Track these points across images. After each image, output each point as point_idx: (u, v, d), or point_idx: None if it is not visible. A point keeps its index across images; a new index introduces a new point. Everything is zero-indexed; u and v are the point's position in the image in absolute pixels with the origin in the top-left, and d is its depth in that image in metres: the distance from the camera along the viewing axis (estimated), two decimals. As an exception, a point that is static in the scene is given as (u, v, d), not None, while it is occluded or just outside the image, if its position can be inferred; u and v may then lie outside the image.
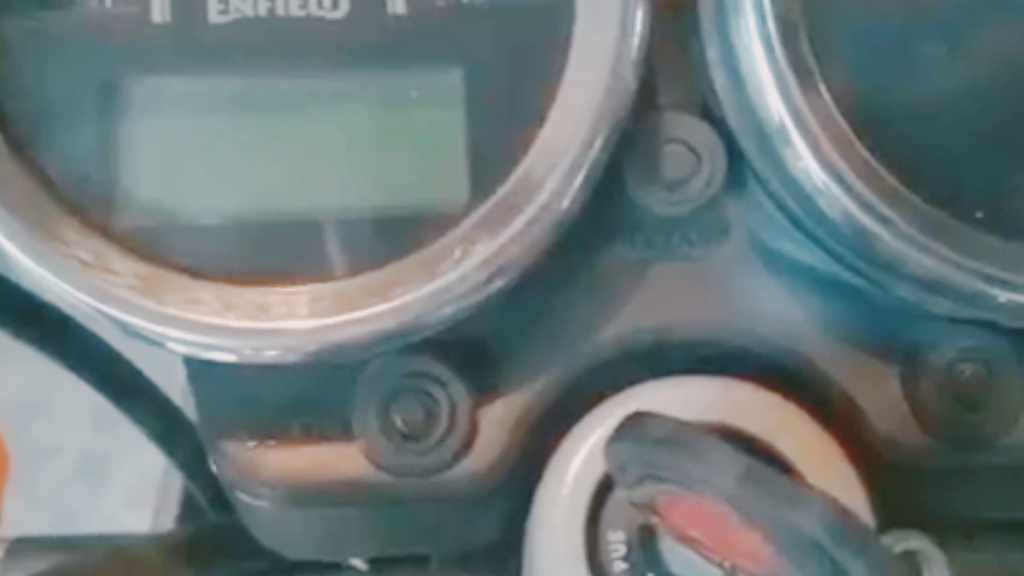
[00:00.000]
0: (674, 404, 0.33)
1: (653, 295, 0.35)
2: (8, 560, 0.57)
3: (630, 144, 0.33)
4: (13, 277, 0.32)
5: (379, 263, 0.32)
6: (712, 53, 0.34)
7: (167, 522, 0.56)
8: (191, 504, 0.56)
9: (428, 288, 0.31)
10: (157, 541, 0.41)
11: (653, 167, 0.34)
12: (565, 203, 0.32)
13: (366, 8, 0.33)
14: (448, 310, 0.31)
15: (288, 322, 0.31)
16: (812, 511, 0.25)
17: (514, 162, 0.32)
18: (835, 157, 0.32)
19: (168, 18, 0.33)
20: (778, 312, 0.35)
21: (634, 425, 0.27)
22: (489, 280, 0.31)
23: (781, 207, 0.34)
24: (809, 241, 0.34)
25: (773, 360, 0.35)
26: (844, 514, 0.25)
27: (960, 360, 0.34)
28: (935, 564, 0.30)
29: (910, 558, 0.30)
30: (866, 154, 0.32)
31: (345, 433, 0.33)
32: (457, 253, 0.32)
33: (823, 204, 0.32)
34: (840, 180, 0.32)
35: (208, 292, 0.31)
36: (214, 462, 0.34)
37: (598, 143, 0.32)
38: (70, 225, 0.32)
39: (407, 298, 0.31)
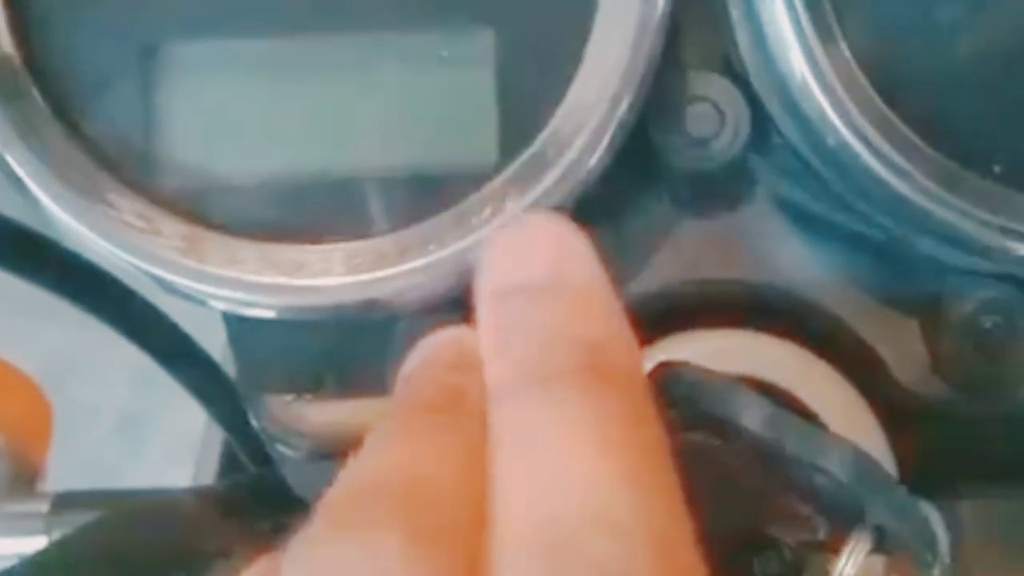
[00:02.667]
0: (700, 357, 0.34)
1: (679, 250, 0.35)
2: (53, 514, 0.58)
3: (656, 102, 0.34)
4: (56, 237, 0.33)
5: (412, 220, 0.32)
6: (735, 12, 0.34)
7: (207, 478, 0.57)
8: (231, 460, 0.57)
9: (460, 244, 0.32)
10: (198, 494, 0.42)
11: (678, 125, 0.34)
12: (593, 161, 0.32)
13: (400, -30, 0.33)
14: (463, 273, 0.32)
15: (324, 279, 0.31)
16: (834, 452, 0.25)
17: (543, 121, 0.32)
18: (855, 112, 0.32)
19: (204, -20, 0.33)
20: (802, 266, 0.35)
21: (662, 374, 0.27)
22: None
23: (804, 163, 0.34)
24: (831, 197, 0.34)
25: (797, 313, 0.35)
26: (866, 457, 0.25)
27: (980, 312, 0.34)
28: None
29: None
30: (885, 109, 0.32)
31: (380, 387, 0.34)
32: (488, 210, 0.32)
33: (843, 159, 0.32)
34: (859, 135, 0.32)
35: (248, 250, 0.32)
36: (253, 416, 0.35)
37: (625, 102, 0.32)
38: (114, 187, 0.32)
39: (440, 254, 0.31)
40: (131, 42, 0.33)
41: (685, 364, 0.27)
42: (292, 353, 0.34)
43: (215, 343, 0.41)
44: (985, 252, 0.32)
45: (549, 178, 0.32)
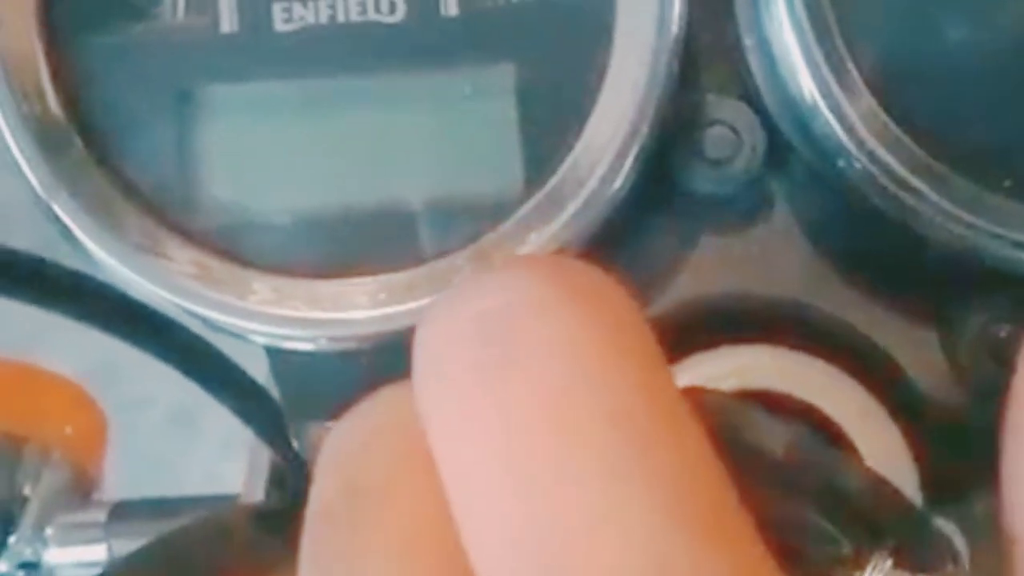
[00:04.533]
0: (724, 373, 0.34)
1: (700, 268, 0.35)
2: (111, 523, 0.59)
3: (674, 126, 0.34)
4: (100, 277, 0.33)
5: (439, 254, 0.33)
6: (747, 38, 0.34)
7: (260, 471, 0.56)
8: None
9: (488, 274, 0.32)
10: (250, 511, 0.42)
11: (696, 148, 0.34)
12: (614, 189, 0.32)
13: (421, 11, 0.33)
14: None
15: (359, 312, 0.32)
16: (854, 478, 0.26)
17: (565, 151, 0.33)
18: (864, 133, 0.32)
19: (236, 28, 0.33)
20: (821, 281, 0.35)
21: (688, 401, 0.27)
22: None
23: (819, 181, 0.34)
24: (847, 213, 0.34)
25: (818, 327, 0.35)
26: (885, 483, 0.25)
27: (994, 321, 0.34)
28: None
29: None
30: (895, 129, 0.33)
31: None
32: (513, 241, 0.32)
33: (855, 178, 0.33)
34: (870, 155, 0.32)
35: (284, 286, 0.32)
36: (296, 439, 0.35)
37: (644, 129, 0.32)
38: (154, 228, 0.33)
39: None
40: (166, 87, 0.33)
41: (708, 391, 0.28)
42: (333, 381, 0.34)
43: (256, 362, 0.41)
44: (997, 264, 0.32)
45: (572, 207, 0.32)
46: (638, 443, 0.21)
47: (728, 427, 0.26)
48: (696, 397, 0.27)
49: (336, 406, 0.35)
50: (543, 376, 0.22)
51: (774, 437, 0.26)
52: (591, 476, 0.21)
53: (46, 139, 0.32)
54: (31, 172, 0.32)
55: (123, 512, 0.60)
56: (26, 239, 0.36)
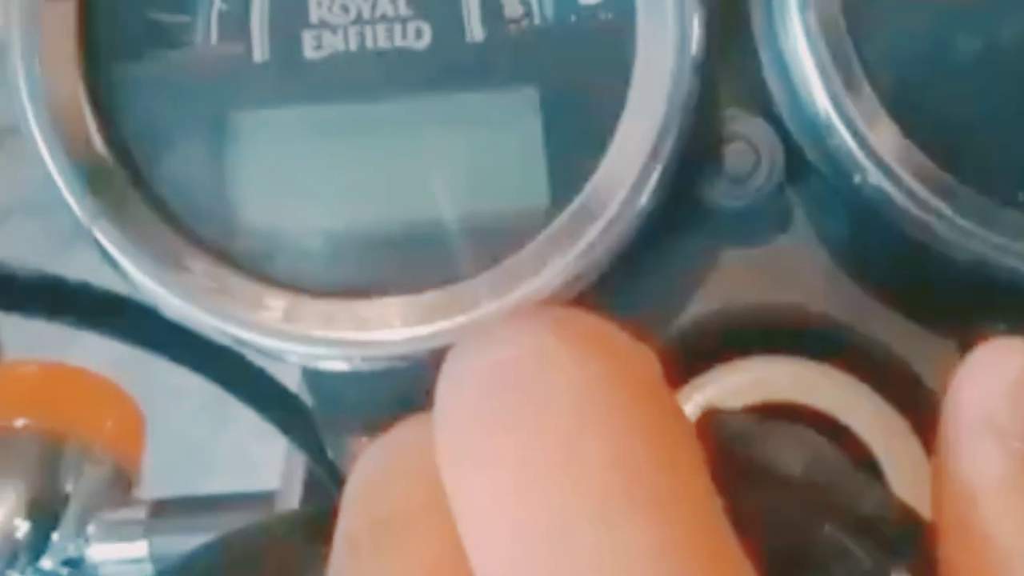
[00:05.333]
0: (745, 386, 0.35)
1: (721, 281, 0.36)
2: (151, 520, 0.60)
3: (694, 142, 0.34)
4: (140, 298, 0.34)
5: (467, 274, 0.33)
6: (764, 55, 0.35)
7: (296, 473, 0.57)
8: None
9: (513, 294, 0.33)
10: (293, 518, 0.43)
11: (717, 164, 0.35)
12: (637, 208, 0.33)
13: (447, 37, 0.34)
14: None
15: (389, 332, 0.33)
16: (872, 498, 0.26)
17: (589, 171, 0.33)
18: (879, 148, 0.33)
19: (268, 56, 0.34)
20: (842, 293, 0.36)
21: (708, 422, 0.28)
22: (570, 285, 0.33)
23: (837, 196, 0.35)
24: (866, 227, 0.35)
25: (839, 338, 0.36)
26: (901, 504, 0.26)
27: (1012, 332, 0.34)
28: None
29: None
30: (909, 144, 0.33)
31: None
32: (539, 261, 0.33)
33: (871, 194, 0.33)
34: (885, 170, 0.33)
35: (316, 307, 0.33)
36: (332, 453, 0.36)
37: (665, 148, 0.33)
38: (189, 251, 0.33)
39: (496, 304, 0.33)
40: (200, 114, 0.34)
41: (725, 412, 0.28)
42: (367, 397, 0.35)
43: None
44: (1014, 277, 0.33)
45: (597, 226, 0.33)
46: (641, 490, 0.22)
47: (745, 447, 0.27)
48: (712, 418, 0.28)
49: (369, 419, 0.36)
50: (550, 425, 0.23)
51: (793, 456, 0.27)
52: (593, 522, 0.22)
53: (88, 169, 0.33)
54: (74, 201, 0.32)
55: (163, 509, 0.61)
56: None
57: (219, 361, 0.38)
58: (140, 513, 0.61)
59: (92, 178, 0.33)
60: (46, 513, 0.61)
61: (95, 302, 0.36)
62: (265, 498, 0.57)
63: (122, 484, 0.64)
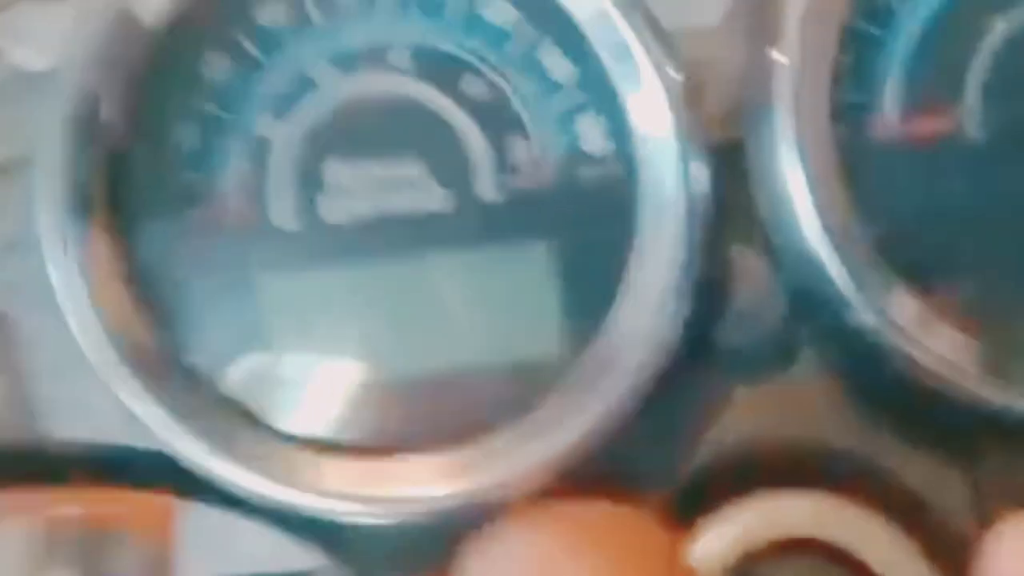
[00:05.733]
0: (762, 522, 0.36)
1: (730, 417, 0.37)
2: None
3: (702, 283, 0.35)
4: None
5: (486, 430, 0.34)
6: (761, 195, 0.36)
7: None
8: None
9: (540, 446, 0.34)
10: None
11: (723, 307, 0.36)
12: (655, 353, 0.34)
13: (463, 199, 0.35)
14: (552, 469, 0.34)
15: (417, 488, 0.34)
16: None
17: (605, 320, 0.34)
18: (871, 288, 0.34)
19: (287, 222, 0.35)
20: (850, 425, 0.37)
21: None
22: (591, 436, 0.34)
23: (840, 329, 0.36)
24: (869, 360, 0.36)
25: (850, 469, 0.37)
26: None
27: (1018, 461, 0.35)
28: None
29: None
30: (903, 286, 0.34)
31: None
32: (558, 415, 0.34)
33: (866, 331, 0.34)
34: (877, 311, 0.34)
35: (345, 466, 0.34)
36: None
37: (676, 292, 0.34)
38: (221, 414, 0.35)
39: (514, 464, 0.34)
40: (223, 278, 0.35)
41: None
42: (394, 545, 0.36)
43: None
44: (1006, 412, 0.34)
45: (612, 378, 0.34)
46: None
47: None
48: None
49: (398, 567, 0.37)
50: None
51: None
52: None
53: (132, 356, 0.34)
54: (120, 384, 0.34)
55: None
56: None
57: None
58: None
59: (135, 363, 0.34)
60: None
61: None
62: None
63: (155, 569, 0.64)
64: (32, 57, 0.42)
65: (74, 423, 0.40)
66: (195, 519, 0.70)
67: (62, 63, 0.35)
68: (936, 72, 0.35)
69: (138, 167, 0.36)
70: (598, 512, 0.33)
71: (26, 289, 0.37)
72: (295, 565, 0.61)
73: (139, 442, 0.37)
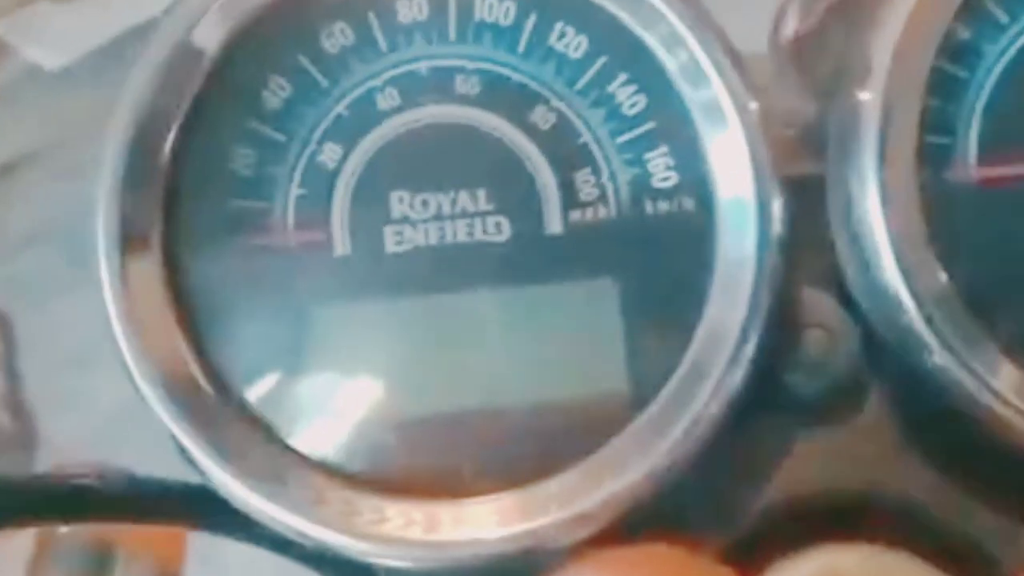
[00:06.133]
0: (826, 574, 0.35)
1: (796, 463, 0.36)
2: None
3: (774, 330, 0.34)
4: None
5: (541, 474, 0.33)
6: (840, 244, 0.35)
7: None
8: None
9: (597, 497, 0.32)
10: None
11: (794, 350, 0.35)
12: (725, 399, 0.33)
13: (526, 231, 0.34)
14: (616, 517, 0.33)
15: (470, 532, 0.32)
16: None
17: (673, 363, 0.33)
18: (948, 332, 0.33)
19: (349, 250, 0.34)
20: (916, 475, 0.36)
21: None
22: (653, 483, 0.33)
23: (912, 375, 0.35)
24: (940, 410, 0.35)
25: (913, 519, 0.36)
26: None
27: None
28: None
29: None
30: (980, 332, 0.33)
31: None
32: (621, 460, 0.33)
33: (942, 379, 0.33)
34: (954, 356, 0.33)
35: (392, 508, 0.33)
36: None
37: (752, 337, 0.33)
38: (272, 453, 0.33)
39: (566, 513, 0.32)
40: (281, 311, 0.34)
41: None
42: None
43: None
44: None
45: (684, 421, 0.33)
46: None
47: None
48: None
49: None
50: None
51: None
52: None
53: (180, 389, 0.33)
54: (168, 418, 0.32)
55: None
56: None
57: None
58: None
59: (183, 395, 0.33)
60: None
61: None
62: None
63: (168, 586, 0.63)
64: (47, 56, 0.41)
65: (73, 424, 0.38)
66: (207, 544, 0.69)
67: (77, 62, 0.34)
68: (1018, 114, 0.34)
69: (193, 194, 0.34)
70: (663, 556, 0.32)
71: (31, 288, 0.36)
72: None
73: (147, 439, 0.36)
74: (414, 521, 0.32)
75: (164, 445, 0.34)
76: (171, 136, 0.34)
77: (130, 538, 0.64)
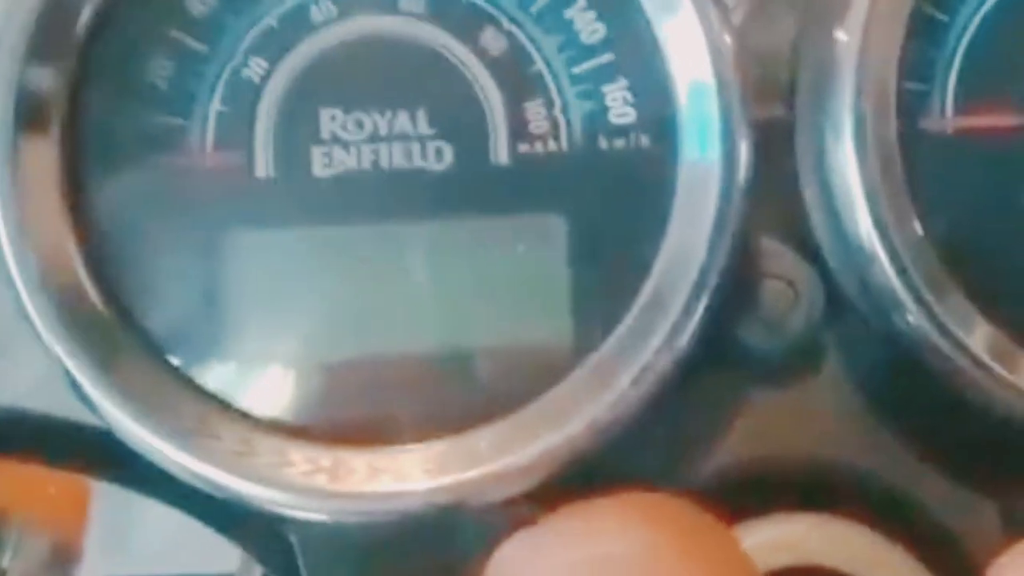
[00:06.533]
0: (774, 545, 0.32)
1: (748, 426, 0.33)
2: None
3: (730, 279, 0.32)
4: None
5: (474, 423, 0.30)
6: (807, 179, 0.32)
7: None
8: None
9: (533, 449, 0.30)
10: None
11: (752, 304, 0.32)
12: (676, 352, 0.30)
13: (469, 159, 0.31)
14: (555, 469, 0.30)
15: (404, 484, 0.30)
16: None
17: (621, 310, 0.30)
18: (923, 287, 0.31)
19: (272, 173, 0.31)
20: (876, 442, 0.33)
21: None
22: (596, 435, 0.30)
23: (876, 337, 0.32)
24: (902, 372, 0.32)
25: (871, 490, 0.33)
26: None
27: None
28: None
29: None
30: (956, 288, 0.31)
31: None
32: (563, 410, 0.30)
33: (910, 336, 0.31)
34: (928, 313, 0.30)
35: (320, 455, 0.30)
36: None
37: (708, 286, 0.30)
38: (181, 396, 0.30)
39: (509, 460, 0.29)
40: (194, 236, 0.31)
41: None
42: (360, 552, 0.32)
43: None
44: None
45: (627, 376, 0.30)
46: None
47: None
48: None
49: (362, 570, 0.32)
50: None
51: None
52: None
53: (71, 307, 0.29)
54: (66, 355, 0.29)
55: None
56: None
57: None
58: (85, 596, 0.57)
59: (81, 325, 0.29)
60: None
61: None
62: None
63: (62, 560, 0.60)
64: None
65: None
66: (107, 513, 0.65)
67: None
68: (997, 64, 0.32)
69: (101, 99, 0.31)
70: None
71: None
72: (206, 567, 0.57)
73: (67, 411, 0.32)
74: (329, 468, 0.29)
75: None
76: (84, 16, 0.30)
77: (25, 501, 0.61)
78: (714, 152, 0.30)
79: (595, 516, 0.26)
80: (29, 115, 0.29)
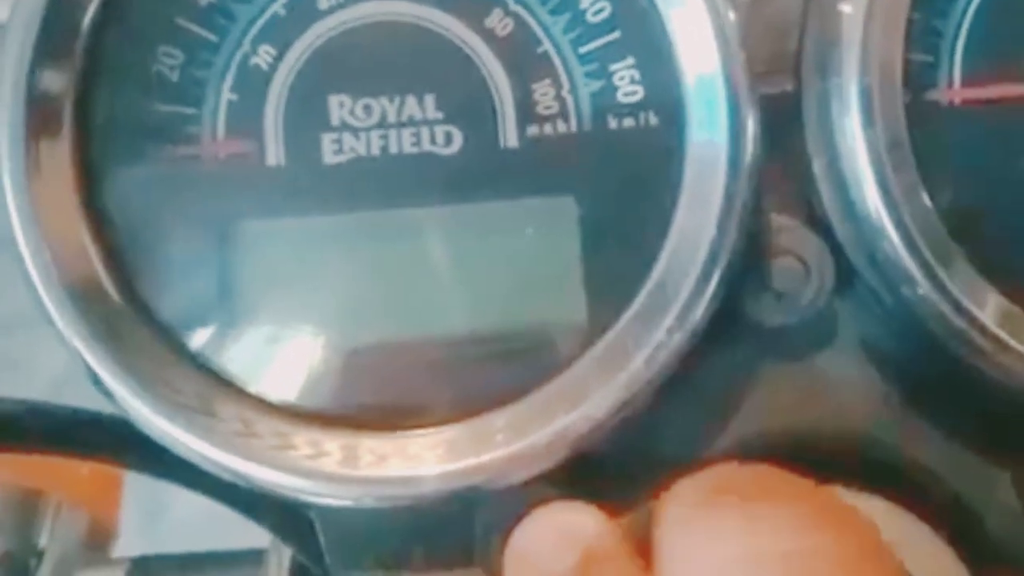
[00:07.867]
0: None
1: (762, 400, 0.32)
2: (134, 576, 0.56)
3: (741, 256, 0.31)
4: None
5: (489, 406, 0.30)
6: (817, 156, 0.32)
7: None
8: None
9: (550, 430, 0.29)
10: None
11: (762, 279, 0.32)
12: (690, 328, 0.30)
13: (479, 143, 0.30)
14: (569, 450, 0.29)
15: (418, 468, 0.29)
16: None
17: (634, 289, 0.30)
18: (931, 259, 0.30)
19: (283, 161, 0.31)
20: (889, 415, 0.33)
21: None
22: (612, 414, 0.30)
23: (885, 309, 0.32)
24: (912, 343, 0.32)
25: (885, 463, 0.33)
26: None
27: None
28: None
29: None
30: (964, 259, 0.30)
31: (466, 559, 0.31)
32: (579, 390, 0.30)
33: (919, 308, 0.30)
34: (935, 283, 0.30)
35: (331, 440, 0.29)
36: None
37: (719, 263, 0.30)
38: (186, 376, 0.30)
39: (539, 435, 0.29)
40: (206, 223, 0.30)
41: None
42: (380, 531, 0.32)
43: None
44: None
45: (644, 351, 0.29)
46: None
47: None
48: None
49: (383, 556, 0.32)
50: None
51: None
52: None
53: (86, 298, 0.29)
54: (82, 346, 0.29)
55: (144, 568, 0.57)
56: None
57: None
58: (118, 572, 0.57)
59: (89, 305, 0.29)
60: (19, 569, 0.58)
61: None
62: (254, 556, 0.53)
63: (98, 538, 0.60)
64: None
65: (20, 379, 0.35)
66: (140, 490, 0.65)
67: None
68: (1003, 34, 0.31)
69: (111, 93, 0.31)
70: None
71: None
72: (240, 542, 0.57)
73: (88, 402, 0.32)
74: (342, 453, 0.29)
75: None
76: (91, 11, 0.30)
77: (59, 483, 0.61)
78: (722, 131, 0.30)
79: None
80: (40, 117, 0.29)
